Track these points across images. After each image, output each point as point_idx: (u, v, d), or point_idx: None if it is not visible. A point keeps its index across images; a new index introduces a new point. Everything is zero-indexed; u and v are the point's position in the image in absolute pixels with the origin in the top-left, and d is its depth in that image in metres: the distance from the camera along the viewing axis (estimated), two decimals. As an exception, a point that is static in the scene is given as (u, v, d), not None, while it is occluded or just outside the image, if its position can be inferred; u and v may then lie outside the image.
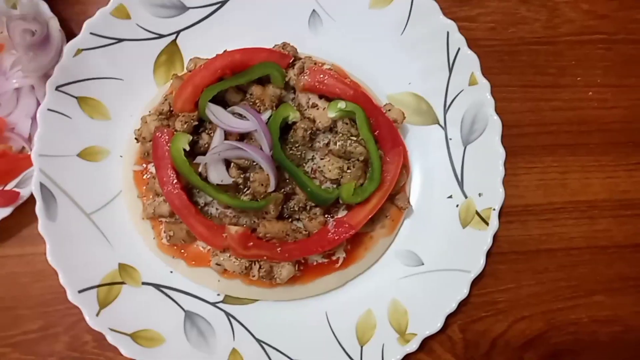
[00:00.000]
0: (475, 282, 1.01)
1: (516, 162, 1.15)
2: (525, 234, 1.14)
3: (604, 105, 1.20)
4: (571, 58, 1.21)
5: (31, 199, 1.03)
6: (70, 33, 1.10)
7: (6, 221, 1.02)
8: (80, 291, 0.95)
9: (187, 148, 0.94)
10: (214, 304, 1.02)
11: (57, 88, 1.00)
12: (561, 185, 1.17)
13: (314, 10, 1.10)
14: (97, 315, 0.95)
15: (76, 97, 1.03)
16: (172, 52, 1.09)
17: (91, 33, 1.02)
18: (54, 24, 1.03)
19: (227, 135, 0.97)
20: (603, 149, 1.18)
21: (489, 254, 1.02)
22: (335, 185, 0.99)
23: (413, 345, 0.98)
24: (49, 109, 1.00)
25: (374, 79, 1.10)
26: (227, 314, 1.02)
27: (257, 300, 1.03)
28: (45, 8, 1.05)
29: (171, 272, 1.03)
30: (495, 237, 1.02)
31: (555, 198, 1.16)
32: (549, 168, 1.17)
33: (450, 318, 1.01)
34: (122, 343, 0.94)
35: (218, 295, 1.03)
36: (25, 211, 1.04)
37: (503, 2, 1.21)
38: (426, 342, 1.01)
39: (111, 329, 0.95)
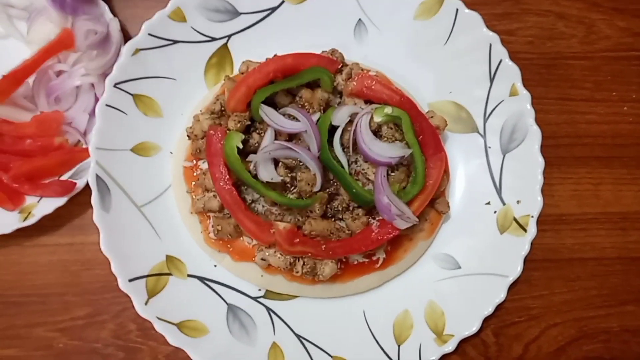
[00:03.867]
0: (509, 288, 1.03)
1: (551, 172, 1.17)
2: (558, 242, 1.16)
3: (639, 120, 1.22)
4: (607, 73, 1.24)
5: (82, 191, 1.09)
6: (125, 34, 1.15)
7: (59, 211, 1.07)
8: (130, 280, 0.99)
9: (241, 146, 0.98)
10: (255, 299, 1.06)
11: (115, 85, 1.05)
12: (594, 197, 1.19)
13: (359, 19, 1.14)
14: (146, 304, 0.99)
15: (132, 95, 1.07)
16: (223, 55, 1.13)
17: (149, 34, 1.07)
18: (115, 25, 1.08)
19: (277, 135, 1.01)
20: (637, 163, 1.21)
21: (523, 260, 1.04)
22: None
23: (450, 346, 1.00)
24: (107, 105, 1.04)
25: (415, 87, 1.14)
26: (268, 309, 1.05)
27: (297, 296, 1.06)
28: (106, 9, 1.10)
29: (215, 266, 1.06)
30: (530, 244, 1.04)
31: (588, 209, 1.18)
32: (583, 179, 1.20)
33: (484, 322, 1.03)
34: (168, 332, 0.98)
35: (259, 290, 1.06)
36: (77, 202, 1.09)
37: (541, 17, 1.25)
38: (460, 345, 1.03)
39: (159, 318, 0.98)
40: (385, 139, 1.03)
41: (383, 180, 0.98)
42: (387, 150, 0.99)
